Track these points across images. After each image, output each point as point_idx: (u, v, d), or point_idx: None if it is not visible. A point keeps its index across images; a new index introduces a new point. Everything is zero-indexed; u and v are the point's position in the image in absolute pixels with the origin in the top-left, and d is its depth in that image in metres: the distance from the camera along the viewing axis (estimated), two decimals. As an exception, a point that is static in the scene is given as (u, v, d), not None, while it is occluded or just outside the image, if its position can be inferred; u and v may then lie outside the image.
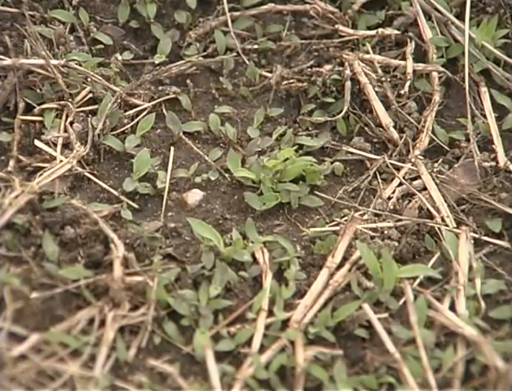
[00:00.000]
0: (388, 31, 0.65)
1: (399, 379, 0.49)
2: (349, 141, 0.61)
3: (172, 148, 0.59)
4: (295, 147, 0.59)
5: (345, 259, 0.53)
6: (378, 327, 0.50)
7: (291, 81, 0.62)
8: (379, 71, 0.63)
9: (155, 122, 0.60)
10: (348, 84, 0.62)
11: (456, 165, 0.59)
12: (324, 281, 0.52)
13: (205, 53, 0.64)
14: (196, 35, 0.64)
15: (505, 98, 0.62)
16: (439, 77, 0.63)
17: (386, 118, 0.61)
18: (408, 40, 0.65)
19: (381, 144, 0.61)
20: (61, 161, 0.57)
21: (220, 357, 0.50)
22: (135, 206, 0.56)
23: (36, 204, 0.54)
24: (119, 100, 0.60)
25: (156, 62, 0.63)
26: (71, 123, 0.58)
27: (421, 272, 0.53)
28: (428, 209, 0.56)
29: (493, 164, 0.59)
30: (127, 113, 0.60)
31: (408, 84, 0.62)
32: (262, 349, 0.50)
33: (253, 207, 0.57)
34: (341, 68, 0.63)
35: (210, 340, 0.50)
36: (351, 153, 0.61)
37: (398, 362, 0.49)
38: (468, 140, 0.60)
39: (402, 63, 0.63)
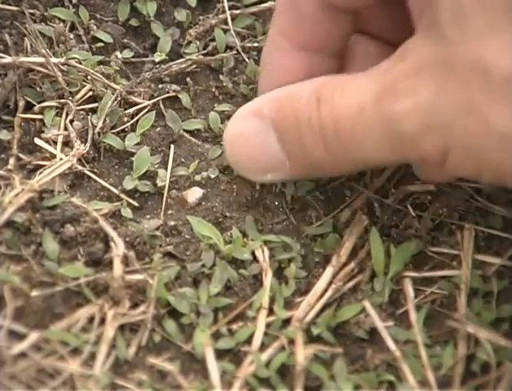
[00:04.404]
0: (388, 29, 0.65)
1: (399, 377, 0.49)
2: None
3: (172, 146, 0.59)
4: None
5: (348, 259, 0.54)
6: (379, 324, 0.50)
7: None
8: (379, 69, 0.63)
9: (155, 120, 0.59)
10: (348, 82, 0.62)
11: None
12: (328, 280, 0.52)
13: (205, 51, 0.64)
14: (196, 33, 0.64)
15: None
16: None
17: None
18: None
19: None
20: (61, 159, 0.56)
21: (220, 355, 0.50)
22: (135, 204, 0.56)
23: (36, 202, 0.54)
24: (119, 98, 0.60)
25: (156, 60, 0.63)
26: (71, 121, 0.58)
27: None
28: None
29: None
30: (127, 111, 0.60)
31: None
32: (263, 347, 0.50)
33: (254, 205, 0.56)
34: (340, 66, 0.62)
35: (210, 338, 0.50)
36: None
37: (398, 360, 0.49)
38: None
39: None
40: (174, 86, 0.62)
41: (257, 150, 0.49)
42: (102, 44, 0.63)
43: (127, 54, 0.63)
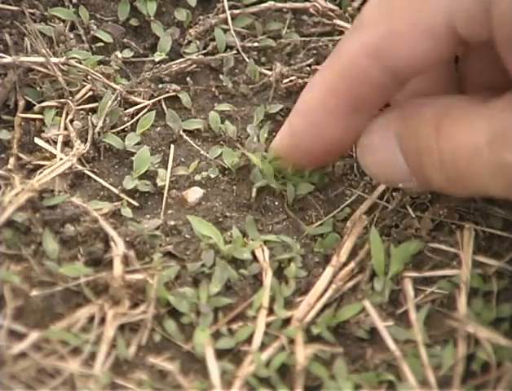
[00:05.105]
0: (388, 29, 0.65)
1: (399, 377, 0.49)
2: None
3: (172, 146, 0.59)
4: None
5: (348, 259, 0.54)
6: (379, 324, 0.50)
7: (291, 78, 0.62)
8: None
9: (155, 120, 0.60)
10: (348, 82, 0.61)
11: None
12: (328, 280, 0.52)
13: (205, 51, 0.64)
14: (196, 33, 0.64)
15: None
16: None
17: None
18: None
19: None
20: (61, 159, 0.56)
21: (220, 354, 0.50)
22: (135, 204, 0.56)
23: (36, 202, 0.54)
24: (119, 98, 0.60)
25: (156, 60, 0.63)
26: (71, 121, 0.58)
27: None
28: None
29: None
30: (127, 111, 0.60)
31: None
32: (263, 347, 0.50)
33: (254, 205, 0.56)
34: (341, 66, 0.62)
35: (210, 337, 0.50)
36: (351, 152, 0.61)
37: (398, 360, 0.49)
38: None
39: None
40: (174, 86, 0.62)
41: (385, 161, 0.50)
42: (102, 44, 0.63)
43: (127, 53, 0.63)
